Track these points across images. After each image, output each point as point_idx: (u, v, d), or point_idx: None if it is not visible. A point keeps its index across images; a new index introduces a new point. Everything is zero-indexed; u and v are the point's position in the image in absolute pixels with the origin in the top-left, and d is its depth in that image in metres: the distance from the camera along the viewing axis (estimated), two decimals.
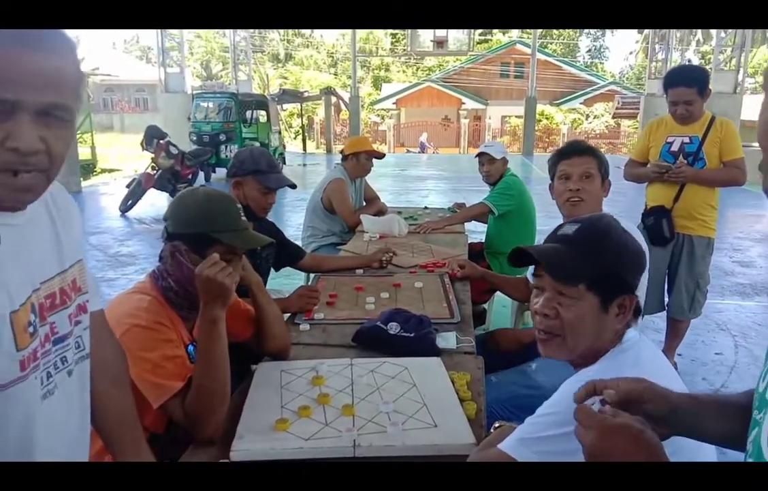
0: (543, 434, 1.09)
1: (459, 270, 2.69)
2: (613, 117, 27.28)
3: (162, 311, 1.52)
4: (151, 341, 1.44)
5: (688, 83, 3.13)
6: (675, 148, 3.27)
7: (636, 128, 24.27)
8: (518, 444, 1.11)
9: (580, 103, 30.74)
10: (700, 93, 3.14)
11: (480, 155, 3.90)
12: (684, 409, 0.94)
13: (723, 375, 3.69)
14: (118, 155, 18.95)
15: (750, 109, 14.94)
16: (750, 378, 3.67)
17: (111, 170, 16.15)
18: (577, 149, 2.26)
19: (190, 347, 1.58)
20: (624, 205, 10.65)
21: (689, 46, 25.61)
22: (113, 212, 9.45)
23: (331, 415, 1.48)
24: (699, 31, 27.21)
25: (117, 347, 1.27)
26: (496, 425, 1.34)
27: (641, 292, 1.21)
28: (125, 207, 9.34)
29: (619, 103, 25.03)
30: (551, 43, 38.12)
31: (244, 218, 1.61)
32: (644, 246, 1.25)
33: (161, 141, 9.96)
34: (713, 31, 20.16)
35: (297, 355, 1.87)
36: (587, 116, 30.61)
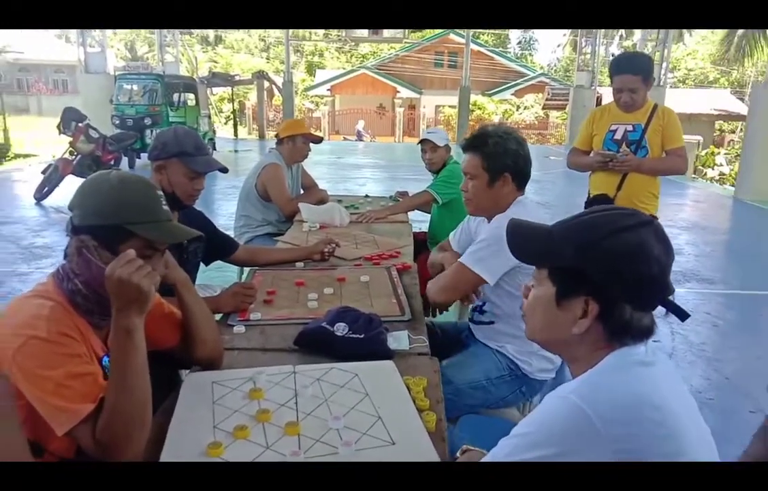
0: (518, 458, 0.95)
1: None
2: (543, 108, 27.96)
3: (67, 319, 1.27)
4: (54, 356, 1.19)
5: (633, 70, 3.11)
6: (618, 136, 3.24)
7: (564, 119, 24.97)
8: None
9: (511, 94, 31.31)
10: (645, 81, 3.13)
11: (422, 142, 3.76)
12: None
13: None
14: (34, 139, 17.77)
15: (671, 101, 15.66)
16: (686, 365, 3.72)
17: (26, 156, 15.12)
18: (464, 146, 2.15)
19: (106, 359, 1.34)
20: (551, 195, 10.92)
21: (613, 40, 26.54)
22: (27, 201, 8.75)
23: (272, 435, 1.28)
24: None
25: None
26: (463, 448, 1.20)
27: (630, 308, 1.01)
28: (41, 195, 8.65)
29: (548, 94, 25.68)
30: (483, 34, 38.62)
31: (166, 207, 1.37)
32: (659, 261, 1.02)
33: (80, 124, 9.30)
34: None
35: (231, 363, 1.65)
36: (518, 107, 31.22)
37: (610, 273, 1.00)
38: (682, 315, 1.12)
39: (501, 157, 2.04)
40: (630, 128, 3.22)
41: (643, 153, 3.21)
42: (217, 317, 1.97)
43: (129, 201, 1.29)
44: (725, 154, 18.18)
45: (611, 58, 5.81)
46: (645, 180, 3.26)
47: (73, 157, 9.13)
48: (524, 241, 1.13)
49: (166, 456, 1.20)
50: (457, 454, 1.26)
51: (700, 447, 0.96)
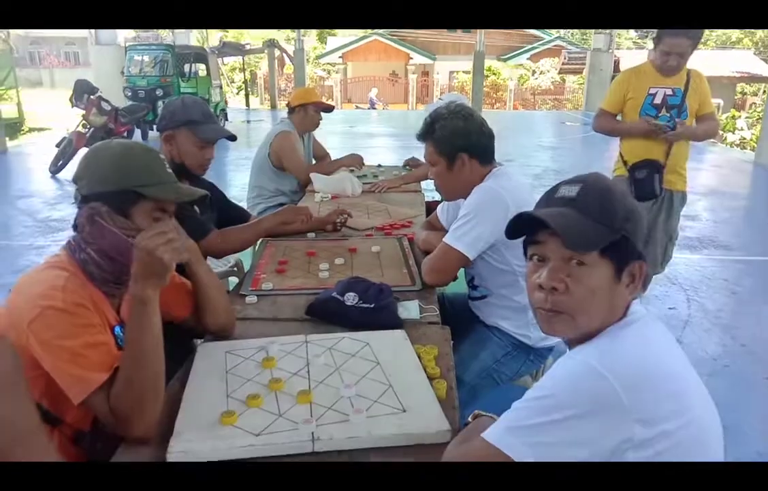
0: (534, 421, 0.94)
1: None
2: (560, 73, 27.46)
3: (82, 289, 1.29)
4: (70, 326, 1.21)
5: (689, 34, 3.00)
6: (658, 100, 3.18)
7: (581, 83, 24.50)
8: (506, 433, 0.96)
9: (527, 59, 30.75)
10: (695, 45, 3.06)
11: None
12: None
13: (677, 329, 3.70)
14: (47, 112, 17.86)
15: (692, 63, 15.27)
16: (702, 333, 3.70)
17: (40, 129, 15.21)
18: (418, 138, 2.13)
19: (118, 329, 1.36)
20: (569, 162, 10.78)
21: None
22: (43, 174, 8.83)
23: (284, 404, 1.29)
24: None
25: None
26: (474, 413, 1.20)
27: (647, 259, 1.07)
28: (56, 168, 8.75)
29: (565, 58, 25.21)
30: None
31: (170, 170, 1.39)
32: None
33: (92, 96, 9.34)
34: None
35: (243, 333, 1.66)
36: (533, 72, 30.67)
37: (639, 231, 1.04)
38: None
39: (450, 139, 1.99)
40: (669, 92, 3.15)
41: (684, 117, 3.16)
42: (229, 287, 1.99)
43: (134, 165, 1.31)
44: (746, 118, 17.72)
45: None
46: (685, 149, 3.28)
47: (87, 130, 9.18)
48: (576, 229, 1.01)
49: (180, 424, 1.22)
50: (469, 419, 1.27)
51: (701, 402, 0.98)
